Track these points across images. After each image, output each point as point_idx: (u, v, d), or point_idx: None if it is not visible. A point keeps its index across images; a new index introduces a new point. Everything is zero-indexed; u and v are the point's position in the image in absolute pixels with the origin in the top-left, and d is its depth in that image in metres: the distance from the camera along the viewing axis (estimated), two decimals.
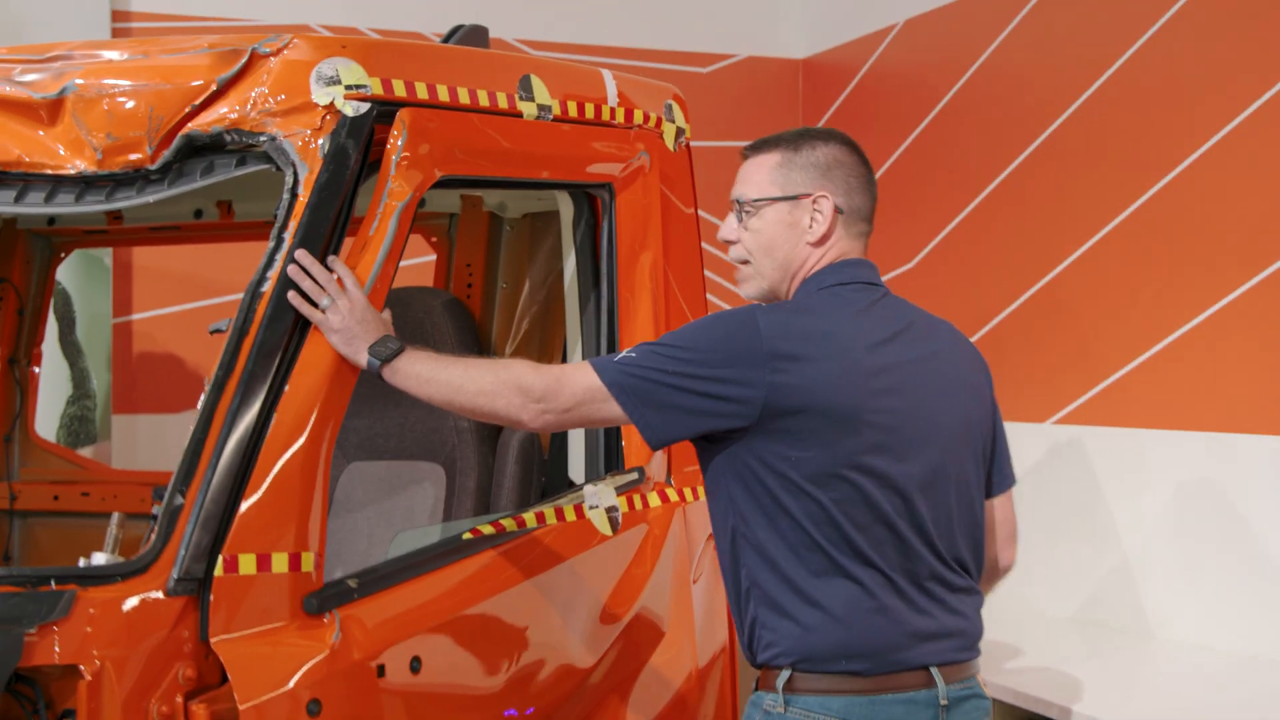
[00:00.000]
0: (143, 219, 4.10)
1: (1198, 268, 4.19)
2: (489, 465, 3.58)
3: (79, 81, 2.91)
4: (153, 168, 2.87)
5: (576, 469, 3.48)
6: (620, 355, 2.67)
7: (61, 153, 2.93)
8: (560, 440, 3.55)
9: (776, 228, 2.76)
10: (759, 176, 2.78)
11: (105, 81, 2.91)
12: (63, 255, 4.37)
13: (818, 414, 2.57)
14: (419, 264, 4.53)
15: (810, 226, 2.75)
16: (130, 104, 2.87)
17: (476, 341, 3.76)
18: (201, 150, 2.88)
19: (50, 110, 2.93)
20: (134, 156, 2.88)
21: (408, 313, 3.69)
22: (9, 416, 4.30)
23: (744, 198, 2.78)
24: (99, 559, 2.64)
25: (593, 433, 3.38)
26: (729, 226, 2.82)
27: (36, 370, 4.33)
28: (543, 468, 3.58)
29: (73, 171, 2.92)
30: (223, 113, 2.83)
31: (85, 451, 5.25)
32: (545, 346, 3.82)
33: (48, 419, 5.24)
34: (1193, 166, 4.22)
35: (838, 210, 2.75)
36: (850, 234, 2.79)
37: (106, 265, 5.28)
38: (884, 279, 5.43)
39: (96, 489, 4.19)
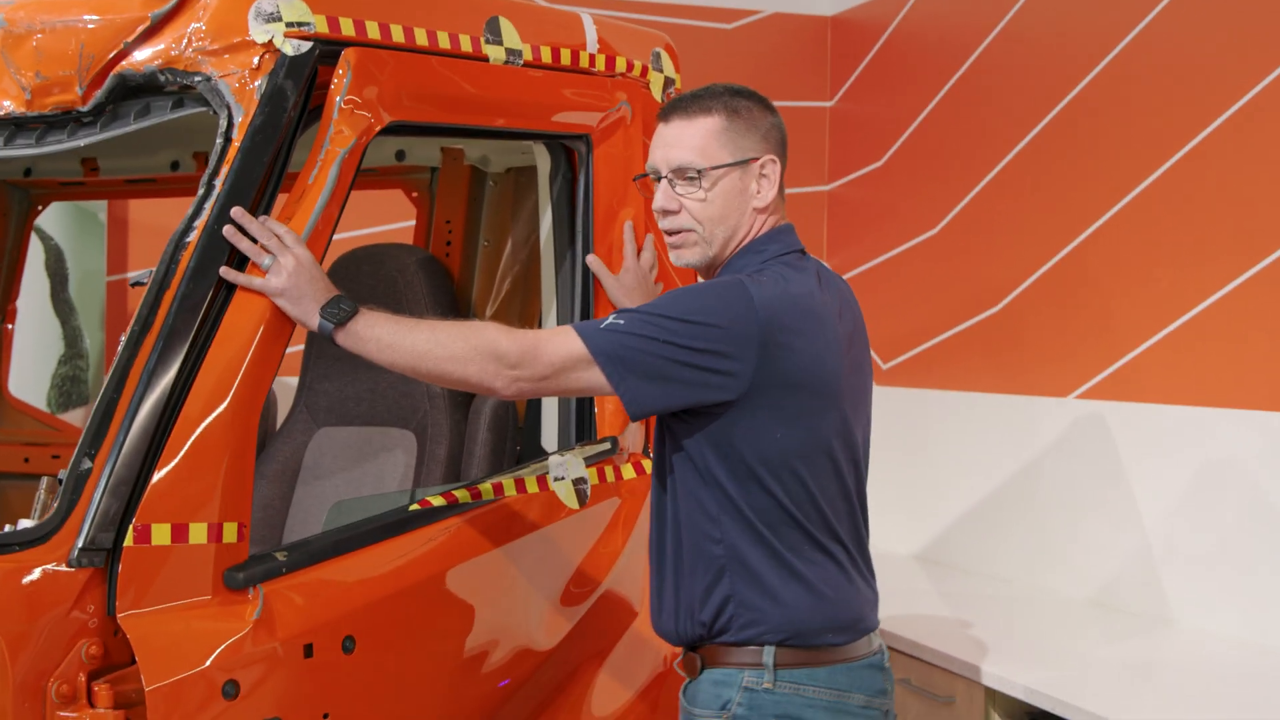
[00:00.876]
0: (118, 170, 3.94)
1: (1224, 238, 3.95)
2: (461, 432, 3.39)
3: (7, 17, 2.74)
4: (84, 109, 2.71)
5: (550, 438, 3.28)
6: (605, 321, 2.52)
7: None
8: (536, 408, 3.35)
9: (728, 195, 2.64)
10: (701, 141, 2.63)
11: (36, 17, 2.73)
12: (40, 208, 4.22)
13: (804, 389, 2.53)
14: (402, 229, 4.35)
15: (758, 192, 2.66)
16: (60, 41, 2.70)
17: (453, 302, 3.57)
18: (138, 91, 2.71)
19: None
20: (64, 97, 2.71)
21: (380, 270, 3.51)
22: None
23: (690, 164, 2.62)
24: (25, 525, 2.47)
25: (565, 400, 3.19)
26: (666, 195, 2.65)
27: (11, 327, 4.18)
28: (517, 436, 3.39)
29: (0, 113, 2.75)
30: (157, 51, 2.65)
31: (77, 413, 5.11)
32: (526, 309, 3.62)
33: (39, 379, 5.11)
34: (1219, 131, 3.98)
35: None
36: (782, 198, 2.73)
37: (101, 221, 5.13)
38: (908, 246, 5.33)
39: (68, 452, 3.98)
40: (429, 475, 3.35)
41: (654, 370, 2.46)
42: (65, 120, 2.73)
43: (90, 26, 2.68)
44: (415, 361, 2.51)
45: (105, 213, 5.11)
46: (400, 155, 3.74)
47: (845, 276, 5.66)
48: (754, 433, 2.50)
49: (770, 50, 5.86)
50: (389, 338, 2.52)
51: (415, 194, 3.92)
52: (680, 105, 2.67)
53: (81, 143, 2.71)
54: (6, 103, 2.74)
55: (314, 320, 2.51)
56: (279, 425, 3.65)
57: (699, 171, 2.61)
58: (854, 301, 2.75)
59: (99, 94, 2.68)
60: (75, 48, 2.68)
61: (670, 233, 2.67)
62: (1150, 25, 4.23)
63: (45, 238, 5.04)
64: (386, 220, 4.77)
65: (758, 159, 2.64)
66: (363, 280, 3.51)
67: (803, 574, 2.56)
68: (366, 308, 2.56)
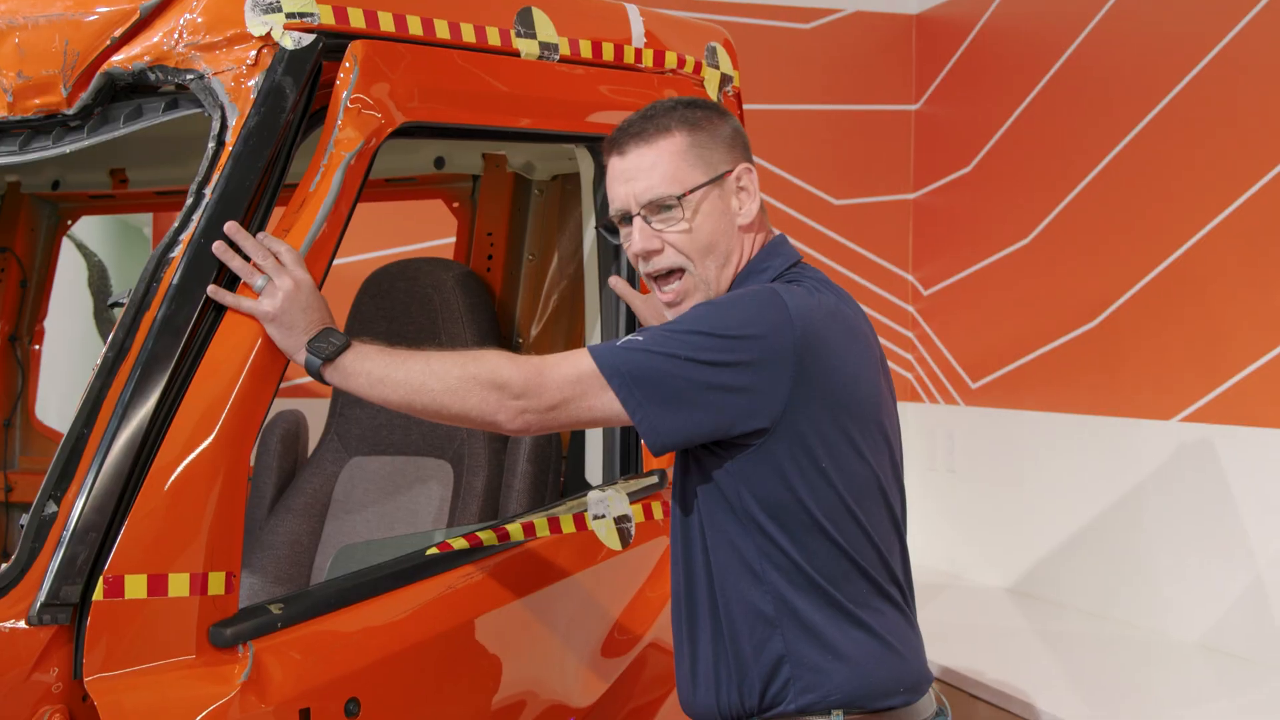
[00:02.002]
0: (148, 182, 3.72)
1: None
2: (500, 463, 3.11)
3: None
4: (69, 112, 2.46)
5: (595, 470, 2.99)
6: (623, 339, 2.20)
7: None
8: (580, 437, 3.07)
9: (711, 219, 2.30)
10: (669, 166, 2.29)
11: (19, 11, 2.50)
12: (69, 222, 4.01)
13: (844, 410, 2.20)
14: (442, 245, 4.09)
15: (740, 208, 2.33)
16: (43, 37, 2.46)
17: (494, 322, 3.29)
18: (130, 92, 2.46)
19: None
20: (49, 99, 2.46)
21: (414, 288, 3.25)
22: (9, 400, 3.94)
23: (665, 195, 2.28)
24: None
25: (609, 429, 2.90)
26: (645, 235, 2.30)
27: (38, 349, 3.96)
28: (560, 467, 3.10)
29: None
30: (147, 46, 2.41)
31: None
32: (574, 329, 3.33)
33: None
34: None
35: None
36: (764, 209, 2.39)
37: (146, 235, 4.92)
38: (998, 257, 5.00)
39: None
40: (464, 509, 3.08)
41: (677, 394, 2.13)
42: (51, 124, 2.50)
43: (76, 20, 2.44)
44: (409, 396, 2.21)
45: (150, 227, 4.90)
46: (439, 163, 3.47)
47: (931, 290, 5.35)
48: (800, 469, 2.18)
49: (851, 51, 5.55)
50: (380, 371, 2.23)
51: (456, 204, 3.64)
52: (632, 131, 2.33)
53: (68, 149, 2.48)
54: None
55: (301, 355, 2.24)
56: (309, 454, 3.40)
57: (677, 199, 2.27)
58: (866, 317, 2.41)
59: (85, 95, 2.44)
60: (59, 45, 2.44)
61: (658, 277, 2.33)
62: (1259, 16, 3.88)
63: (88, 254, 4.83)
64: (432, 236, 4.51)
65: (731, 170, 2.32)
66: (396, 298, 3.25)
67: (869, 624, 2.24)
68: (361, 340, 2.28)
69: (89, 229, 4.86)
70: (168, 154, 3.50)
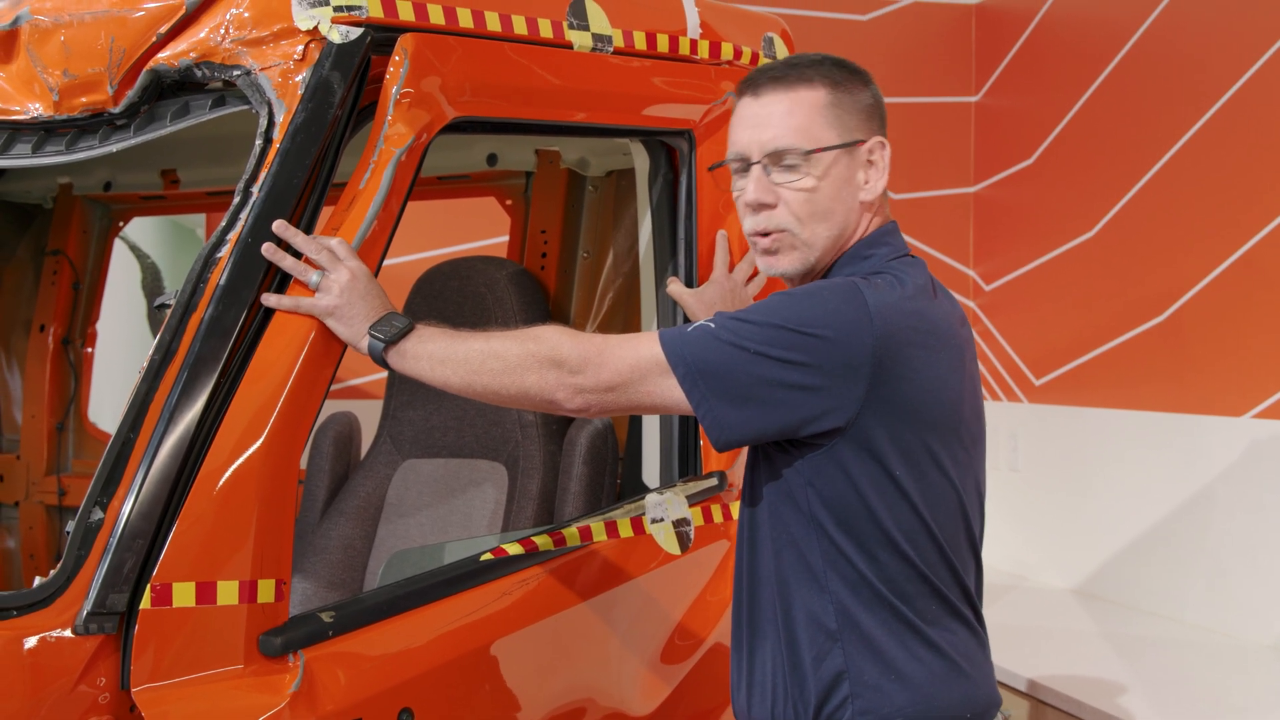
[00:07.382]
0: (199, 182, 3.68)
1: None
2: (555, 464, 3.05)
3: (33, 9, 2.47)
4: (115, 110, 2.42)
5: (652, 472, 2.92)
6: (693, 325, 2.10)
7: (17, 94, 2.49)
8: (636, 438, 3.00)
9: (834, 185, 2.18)
10: (803, 119, 2.17)
11: (64, 9, 2.46)
12: (121, 224, 3.98)
13: (923, 418, 2.09)
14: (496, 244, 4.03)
15: (866, 183, 2.21)
16: (89, 35, 2.42)
17: (548, 320, 3.22)
18: (177, 89, 2.42)
19: (4, 45, 2.52)
20: (95, 97, 2.42)
21: (467, 286, 3.20)
22: (62, 403, 3.91)
23: (792, 147, 2.16)
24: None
25: (666, 430, 2.83)
26: (761, 186, 2.19)
27: (90, 351, 3.94)
28: (616, 469, 3.04)
29: (27, 117, 2.47)
30: (194, 42, 2.36)
31: None
32: (630, 328, 3.27)
33: None
34: None
35: None
36: (886, 192, 2.27)
37: (199, 237, 4.90)
38: (1061, 251, 4.90)
39: None
40: (519, 512, 3.02)
41: (744, 390, 2.03)
42: (97, 123, 2.45)
43: (121, 16, 2.40)
44: (469, 377, 2.15)
45: (203, 228, 4.87)
46: (492, 159, 3.42)
47: (994, 285, 5.25)
48: (871, 476, 2.07)
49: (910, 42, 5.45)
50: (442, 352, 2.18)
51: (509, 201, 3.58)
52: (773, 74, 2.20)
53: (114, 148, 2.43)
54: (34, 105, 2.47)
55: (365, 342, 2.19)
56: (362, 456, 3.35)
57: (805, 155, 2.17)
58: (965, 316, 2.28)
59: (131, 93, 2.40)
60: (105, 42, 2.40)
61: (761, 234, 2.22)
62: None
63: (141, 255, 4.81)
64: (485, 235, 4.46)
65: (864, 142, 2.20)
66: (448, 298, 3.20)
67: (937, 643, 2.13)
68: (425, 323, 2.22)
69: (142, 231, 4.84)
70: (218, 154, 3.47)
